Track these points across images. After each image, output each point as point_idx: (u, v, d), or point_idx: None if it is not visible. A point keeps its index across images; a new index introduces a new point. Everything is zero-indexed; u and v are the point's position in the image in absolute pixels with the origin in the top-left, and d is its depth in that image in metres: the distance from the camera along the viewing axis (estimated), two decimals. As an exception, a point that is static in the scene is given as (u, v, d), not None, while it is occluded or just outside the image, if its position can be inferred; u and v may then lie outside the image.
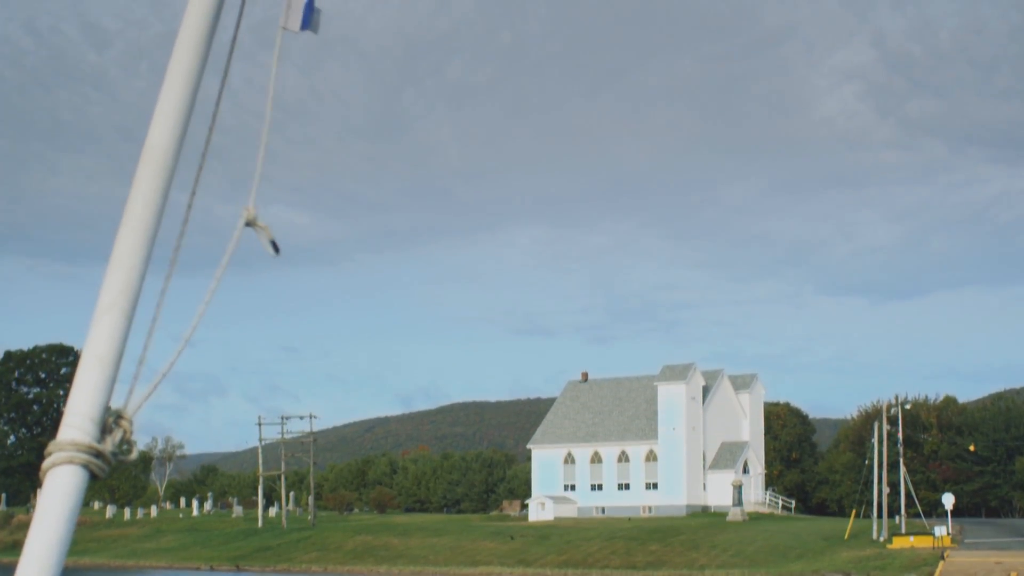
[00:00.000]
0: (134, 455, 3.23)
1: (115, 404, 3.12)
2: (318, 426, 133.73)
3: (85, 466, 3.03)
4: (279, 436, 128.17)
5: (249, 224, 3.42)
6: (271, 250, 3.45)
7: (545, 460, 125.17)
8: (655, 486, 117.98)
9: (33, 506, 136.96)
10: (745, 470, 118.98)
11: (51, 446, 3.03)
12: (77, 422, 3.02)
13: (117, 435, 3.08)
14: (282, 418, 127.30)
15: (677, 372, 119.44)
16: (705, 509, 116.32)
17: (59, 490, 2.99)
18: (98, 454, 3.03)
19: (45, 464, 3.04)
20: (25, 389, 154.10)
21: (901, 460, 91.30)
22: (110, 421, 3.08)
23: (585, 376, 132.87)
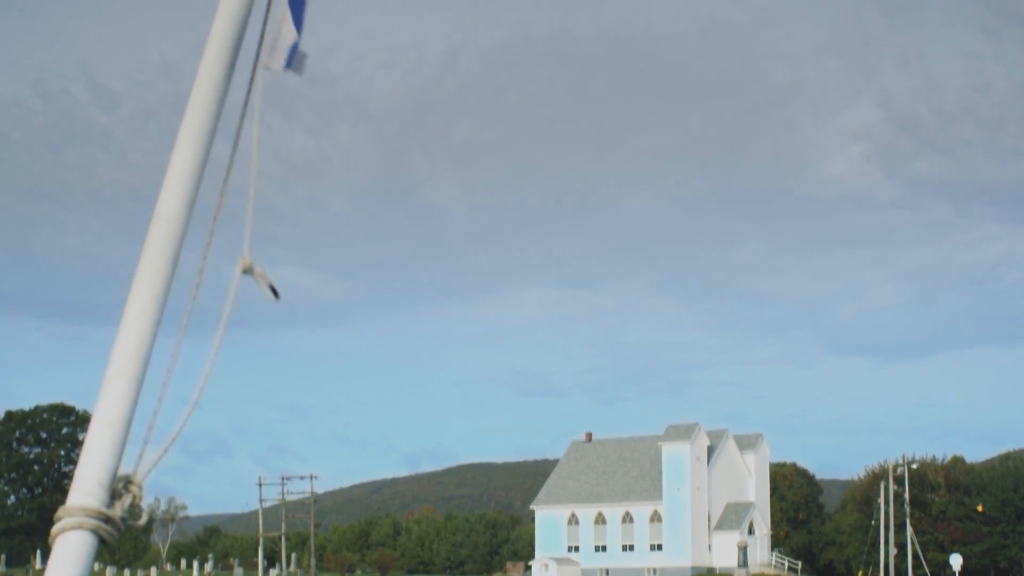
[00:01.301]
0: (143, 520, 3.22)
1: (124, 468, 3.11)
2: (324, 487, 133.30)
3: (95, 531, 3.02)
4: (280, 497, 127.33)
5: (246, 272, 3.42)
6: (271, 295, 3.45)
7: (548, 521, 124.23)
8: (660, 547, 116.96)
9: (33, 568, 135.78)
10: (751, 531, 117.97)
11: (61, 511, 3.02)
12: (87, 487, 3.01)
13: (127, 500, 3.07)
14: (282, 478, 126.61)
15: (682, 432, 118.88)
16: (711, 571, 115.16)
17: (69, 555, 2.97)
18: (108, 519, 3.02)
19: (55, 529, 3.02)
20: (26, 449, 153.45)
21: (908, 520, 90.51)
22: (120, 487, 3.07)
23: (589, 436, 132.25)
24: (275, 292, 3.44)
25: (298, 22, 3.75)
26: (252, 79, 3.72)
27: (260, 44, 3.76)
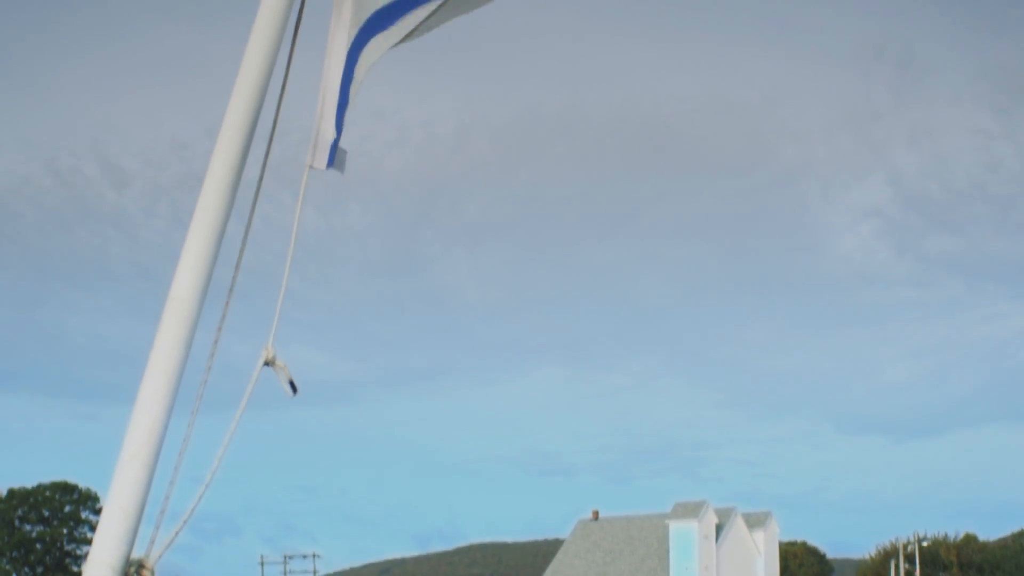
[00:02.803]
0: (154, 604, 3.19)
1: (137, 551, 3.09)
2: (333, 567, 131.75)
3: (108, 615, 2.99)
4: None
5: (268, 364, 3.44)
6: (289, 390, 3.47)
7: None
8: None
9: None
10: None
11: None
12: (100, 572, 3.00)
13: (138, 584, 3.05)
14: (284, 557, 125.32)
15: (689, 510, 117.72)
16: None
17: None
18: (120, 604, 2.99)
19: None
20: (28, 527, 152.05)
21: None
22: (132, 571, 3.05)
23: (596, 514, 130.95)
24: (294, 387, 3.46)
25: (339, 122, 3.83)
26: (264, 162, 3.76)
27: (274, 126, 3.81)
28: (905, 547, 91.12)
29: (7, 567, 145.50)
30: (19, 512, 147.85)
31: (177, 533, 3.15)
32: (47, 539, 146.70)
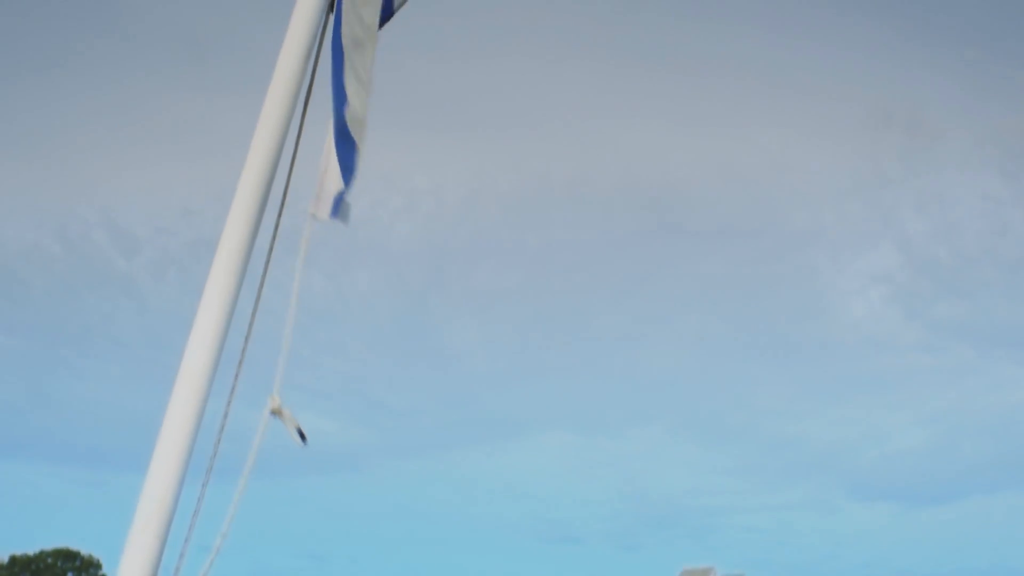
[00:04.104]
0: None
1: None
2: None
3: None
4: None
5: (274, 413, 3.41)
6: (298, 439, 3.42)
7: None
8: None
9: None
10: None
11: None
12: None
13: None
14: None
15: (697, 575, 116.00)
16: None
17: None
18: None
19: None
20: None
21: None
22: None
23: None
24: (302, 436, 3.42)
25: (348, 172, 3.80)
26: (275, 230, 3.77)
27: (285, 193, 3.81)
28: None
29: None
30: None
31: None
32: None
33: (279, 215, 3.75)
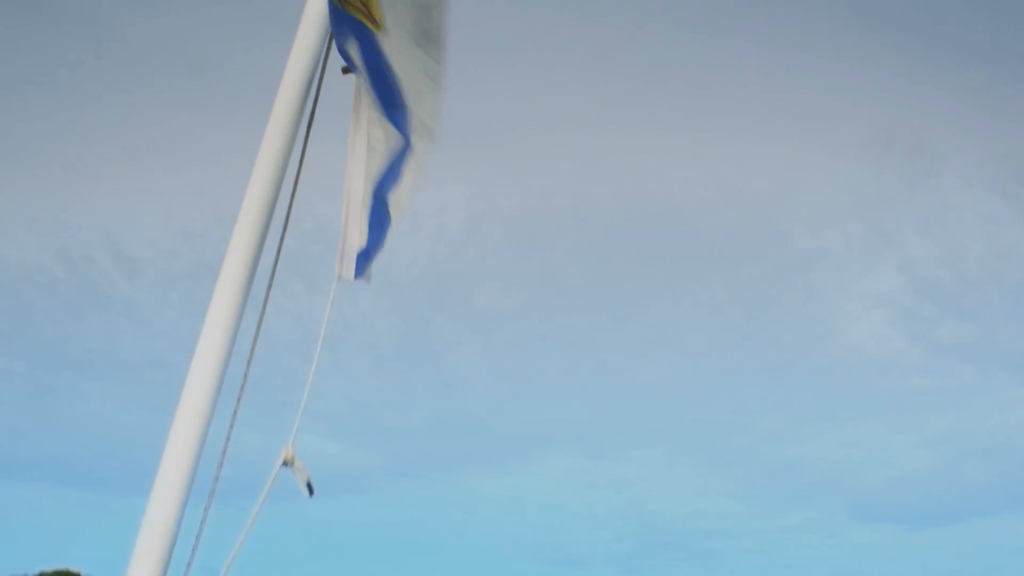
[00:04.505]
0: None
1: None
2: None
3: None
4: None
5: (287, 463, 3.42)
6: (306, 492, 3.45)
7: None
8: None
9: None
10: None
11: None
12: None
13: None
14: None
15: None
16: None
17: None
18: None
19: None
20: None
21: None
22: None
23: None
24: (311, 489, 3.44)
25: (377, 243, 3.75)
26: (278, 252, 3.76)
27: (288, 215, 3.80)
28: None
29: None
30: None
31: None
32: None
33: (282, 238, 3.74)
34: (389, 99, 3.78)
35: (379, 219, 3.81)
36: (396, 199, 3.80)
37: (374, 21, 3.63)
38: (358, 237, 3.76)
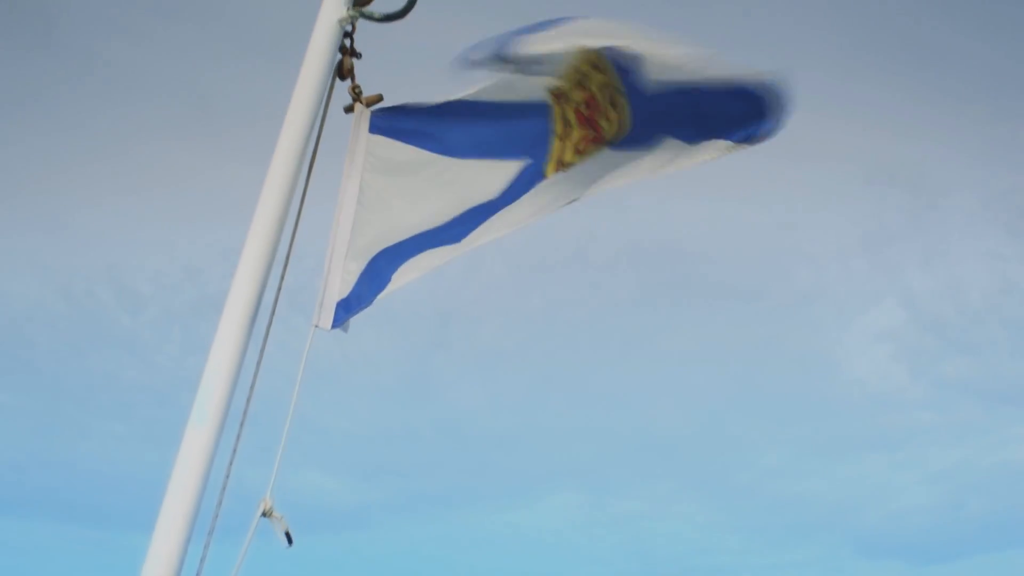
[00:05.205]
0: None
1: None
2: None
3: None
4: None
5: (265, 515, 3.42)
6: (285, 541, 3.45)
7: None
8: None
9: None
10: None
11: None
12: None
13: None
14: None
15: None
16: None
17: None
18: None
19: None
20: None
21: None
22: None
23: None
24: (289, 539, 3.44)
25: (363, 301, 3.74)
26: (279, 289, 3.76)
27: (289, 252, 3.80)
28: None
29: None
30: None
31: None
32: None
33: (283, 276, 3.75)
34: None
35: (374, 278, 3.81)
36: (402, 273, 3.82)
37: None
38: (339, 286, 3.75)
